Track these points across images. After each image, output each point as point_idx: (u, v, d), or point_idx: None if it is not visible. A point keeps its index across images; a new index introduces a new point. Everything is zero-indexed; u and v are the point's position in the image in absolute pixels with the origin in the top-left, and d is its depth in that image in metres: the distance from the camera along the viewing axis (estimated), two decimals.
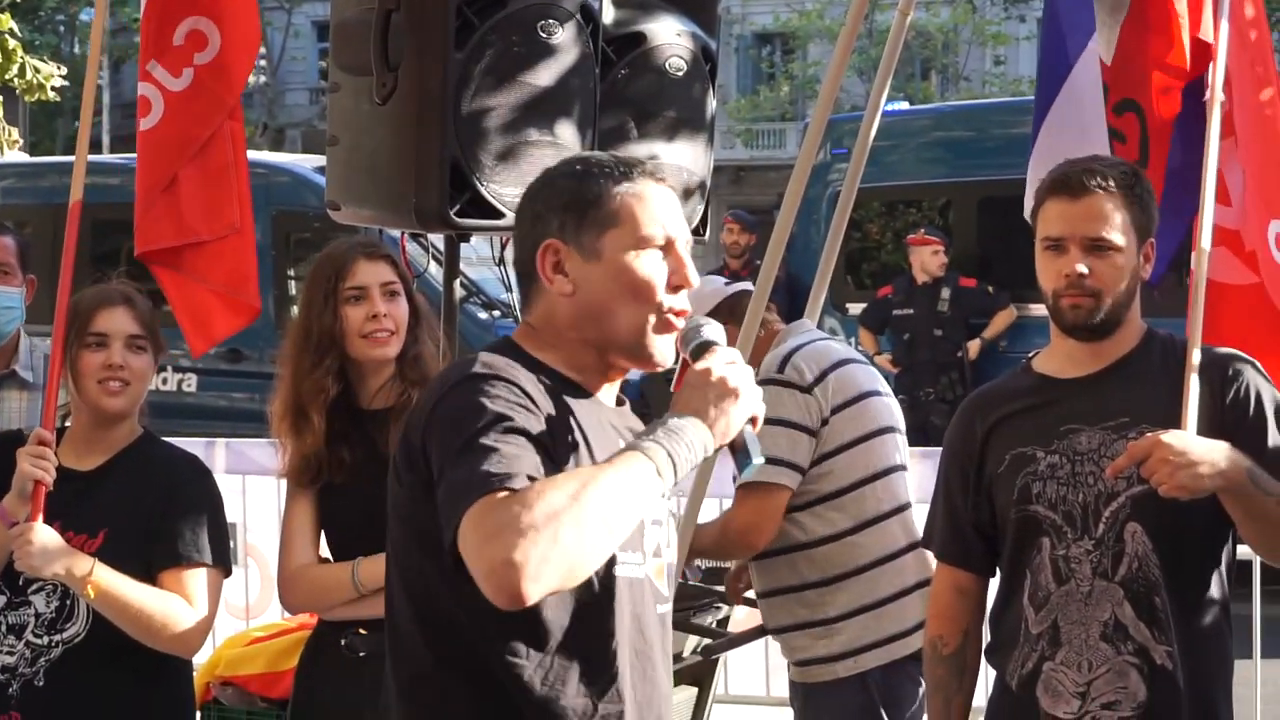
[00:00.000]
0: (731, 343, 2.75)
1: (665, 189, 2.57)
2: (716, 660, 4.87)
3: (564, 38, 3.76)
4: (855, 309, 11.69)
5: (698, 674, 4.78)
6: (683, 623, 4.46)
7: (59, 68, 16.09)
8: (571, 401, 2.50)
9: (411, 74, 3.70)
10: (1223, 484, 3.09)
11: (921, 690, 4.02)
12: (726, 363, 2.47)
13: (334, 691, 3.74)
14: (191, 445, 4.37)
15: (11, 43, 15.25)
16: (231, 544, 3.78)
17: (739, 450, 2.48)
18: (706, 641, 4.71)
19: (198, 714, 4.08)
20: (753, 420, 2.47)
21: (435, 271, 4.30)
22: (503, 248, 4.17)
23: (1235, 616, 3.36)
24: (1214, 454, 3.08)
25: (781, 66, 37.91)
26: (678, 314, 2.54)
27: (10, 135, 16.85)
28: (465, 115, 3.67)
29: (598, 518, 2.27)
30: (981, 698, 3.54)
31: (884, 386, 4.38)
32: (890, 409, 4.34)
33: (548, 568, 2.22)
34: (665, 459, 2.35)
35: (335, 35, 3.96)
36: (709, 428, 2.41)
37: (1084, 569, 3.22)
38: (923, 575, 4.11)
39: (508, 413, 2.37)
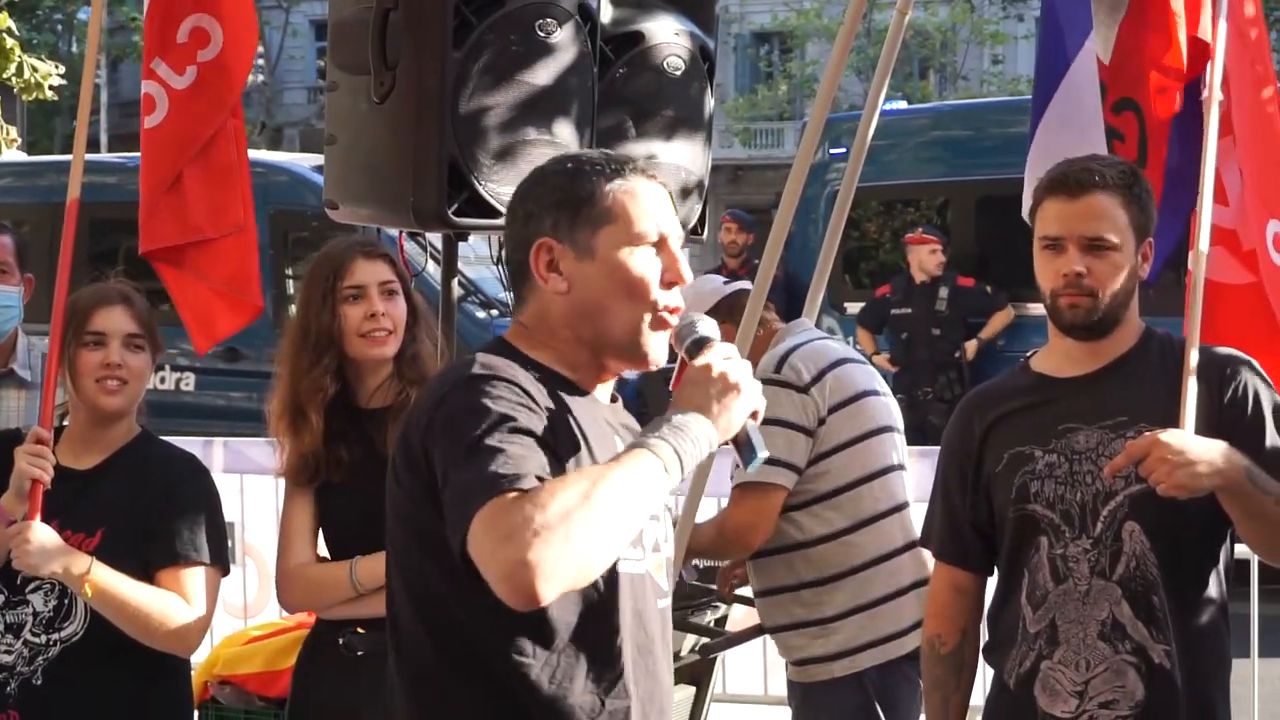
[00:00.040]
0: (729, 341, 2.75)
1: (657, 186, 2.58)
2: (714, 659, 4.88)
3: (562, 37, 3.76)
4: (853, 308, 11.68)
5: (696, 673, 4.78)
6: (681, 622, 4.46)
7: (56, 66, 16.12)
8: (569, 400, 2.50)
9: (409, 73, 3.69)
10: (1221, 483, 3.09)
11: (918, 690, 4.02)
12: (724, 358, 2.47)
13: (332, 690, 3.74)
14: (189, 444, 4.37)
15: (9, 42, 15.27)
16: (229, 543, 3.78)
17: (743, 445, 2.48)
18: (704, 640, 4.72)
19: (195, 713, 4.08)
20: (753, 414, 2.47)
21: (433, 270, 4.31)
22: (500, 247, 4.16)
23: (1233, 615, 3.36)
24: (1212, 453, 3.08)
25: (779, 66, 37.92)
26: (671, 311, 2.54)
27: (8, 134, 16.87)
28: (463, 114, 3.66)
29: (609, 516, 2.28)
30: (979, 697, 3.54)
31: (882, 386, 4.38)
32: (888, 408, 4.34)
33: (562, 567, 2.23)
34: (672, 455, 2.36)
35: (333, 34, 3.96)
36: (712, 423, 2.42)
37: (1082, 568, 3.22)
38: (919, 575, 4.12)
39: (511, 413, 2.37)
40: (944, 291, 10.98)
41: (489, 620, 2.38)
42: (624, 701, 2.50)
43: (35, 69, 15.72)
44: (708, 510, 4.72)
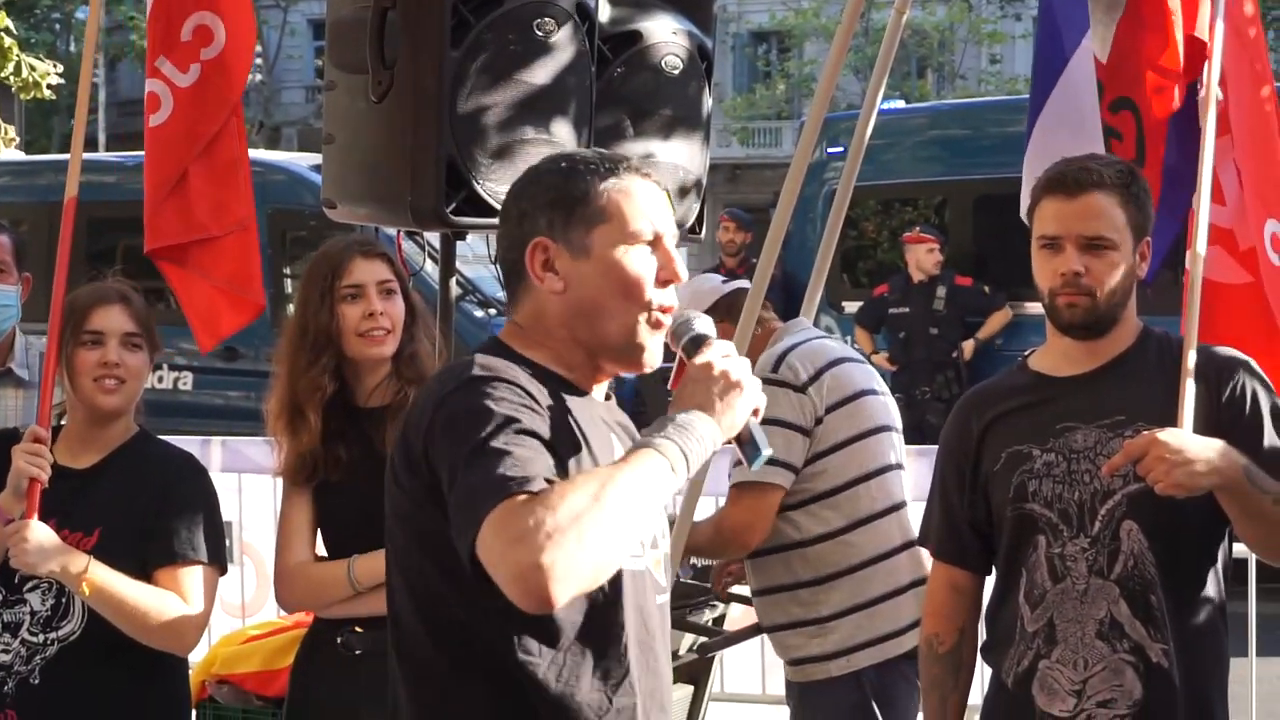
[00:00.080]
0: (727, 340, 2.75)
1: (651, 184, 2.58)
2: (712, 658, 4.88)
3: (560, 36, 3.76)
4: (851, 307, 11.68)
5: (694, 672, 4.78)
6: (679, 621, 4.46)
7: (54, 65, 16.11)
8: (568, 399, 2.50)
9: (407, 72, 3.69)
10: (1219, 482, 3.09)
11: (916, 689, 4.02)
12: (723, 355, 2.47)
13: (330, 690, 3.74)
14: (187, 443, 4.36)
15: (7, 40, 15.26)
16: (227, 542, 3.78)
17: (746, 443, 2.48)
18: (702, 639, 4.72)
19: (193, 712, 4.08)
20: (754, 412, 2.47)
21: (431, 269, 4.31)
22: (498, 244, 4.16)
23: (1231, 614, 3.36)
24: (1210, 452, 3.08)
25: (777, 65, 37.92)
26: (665, 310, 2.54)
27: (6, 133, 16.87)
28: (461, 113, 3.66)
29: (619, 517, 2.27)
30: (977, 696, 3.54)
31: (880, 385, 4.38)
32: (886, 407, 4.34)
33: (575, 570, 2.22)
34: (678, 455, 2.35)
35: (331, 33, 3.96)
36: (716, 422, 2.41)
37: (1080, 567, 3.22)
38: (917, 574, 4.12)
39: (514, 414, 2.36)
40: (942, 291, 10.98)
41: (493, 620, 2.38)
42: (630, 698, 2.50)
43: (33, 68, 15.72)
44: (705, 509, 4.72)
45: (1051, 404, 3.31)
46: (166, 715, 3.73)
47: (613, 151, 2.76)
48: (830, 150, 11.35)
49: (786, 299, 8.87)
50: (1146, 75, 4.13)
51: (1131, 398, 3.25)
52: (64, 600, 3.57)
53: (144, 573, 3.55)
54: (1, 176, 13.98)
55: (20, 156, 16.89)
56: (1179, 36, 4.06)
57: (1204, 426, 3.17)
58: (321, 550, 3.81)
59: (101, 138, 33.82)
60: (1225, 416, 3.24)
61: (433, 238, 4.14)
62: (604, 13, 3.89)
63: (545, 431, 2.38)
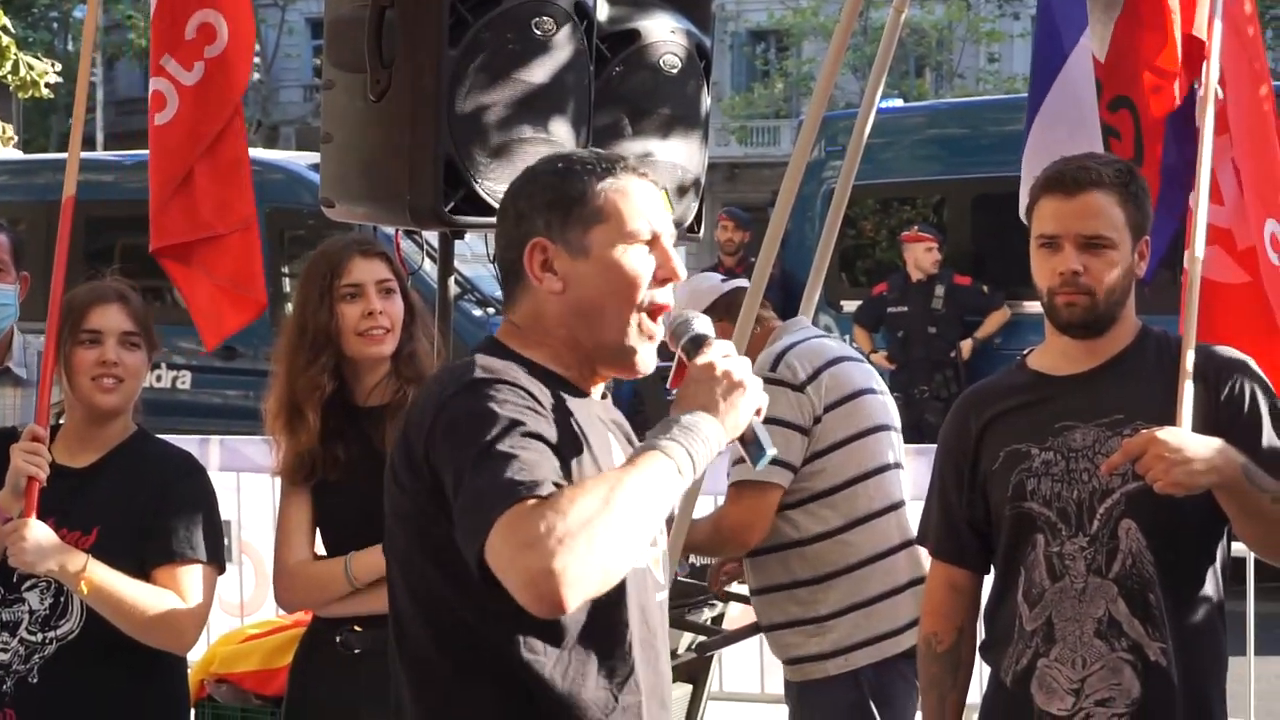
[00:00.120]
0: (726, 339, 2.75)
1: (648, 184, 2.58)
2: (711, 657, 4.88)
3: (558, 35, 3.76)
4: (850, 306, 11.68)
5: (693, 671, 4.78)
6: (678, 620, 4.46)
7: (52, 64, 16.10)
8: (568, 399, 2.50)
9: (405, 71, 3.69)
10: (1218, 480, 3.09)
11: (914, 688, 4.02)
12: (724, 355, 2.47)
13: (329, 689, 3.74)
14: (186, 442, 4.36)
15: (5, 39, 15.25)
16: (226, 541, 3.78)
17: (750, 443, 2.48)
18: (701, 638, 4.72)
19: (192, 711, 4.08)
20: (757, 411, 2.47)
21: (429, 268, 4.31)
22: (495, 244, 4.16)
23: (1230, 613, 3.36)
24: (1209, 451, 3.08)
25: (776, 64, 37.90)
26: (656, 309, 2.54)
27: (4, 132, 16.86)
28: (459, 112, 3.66)
29: (629, 521, 2.27)
30: (976, 695, 3.54)
31: (879, 384, 4.38)
32: (885, 407, 4.33)
33: (586, 575, 2.22)
34: (685, 457, 2.35)
35: (329, 32, 3.95)
36: (720, 422, 2.41)
37: (1078, 566, 3.22)
38: (915, 574, 4.12)
39: (519, 417, 2.35)
40: (940, 290, 10.99)
41: (498, 622, 2.38)
42: (636, 696, 2.50)
43: (31, 67, 15.70)
44: (704, 507, 4.72)
45: (1050, 403, 3.31)
46: (165, 714, 3.73)
47: (610, 151, 2.76)
48: (829, 149, 11.35)
49: (785, 298, 8.87)
50: (1144, 74, 4.13)
51: (1130, 397, 3.26)
52: (62, 599, 3.57)
53: (142, 571, 3.55)
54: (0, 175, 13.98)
55: (18, 155, 16.88)
56: (1178, 35, 4.06)
57: (1202, 425, 3.17)
58: (321, 549, 3.81)
59: (99, 136, 33.82)
60: (1223, 415, 3.24)
61: (431, 237, 4.15)
62: (602, 11, 3.89)
63: (549, 433, 2.37)
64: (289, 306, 4.01)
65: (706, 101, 4.14)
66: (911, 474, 4.42)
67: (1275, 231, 3.98)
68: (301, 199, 11.25)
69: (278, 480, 3.86)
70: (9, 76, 15.60)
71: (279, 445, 3.80)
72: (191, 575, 3.58)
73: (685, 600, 4.57)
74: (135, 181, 12.96)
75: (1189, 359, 3.25)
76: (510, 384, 2.41)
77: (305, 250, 11.03)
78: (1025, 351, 3.47)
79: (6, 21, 15.49)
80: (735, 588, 4.67)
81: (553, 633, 2.42)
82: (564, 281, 2.52)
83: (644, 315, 2.53)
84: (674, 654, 4.46)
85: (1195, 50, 4.04)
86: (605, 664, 2.47)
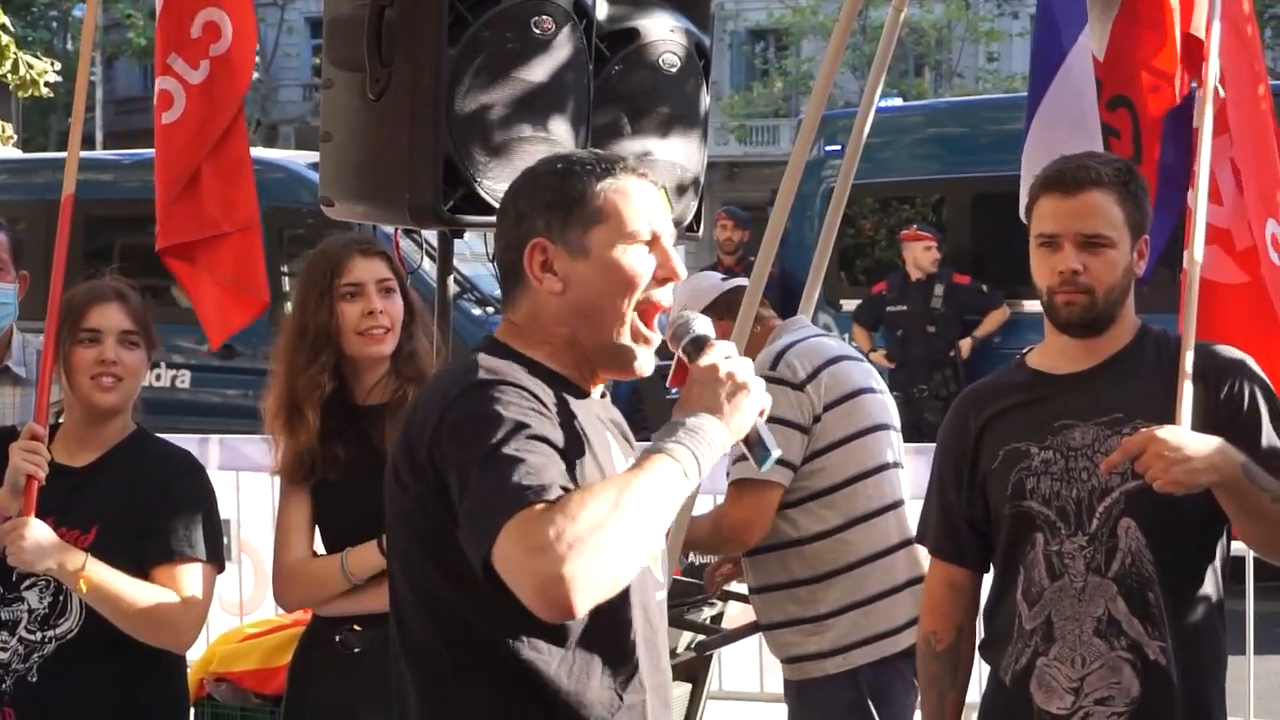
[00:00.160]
0: (726, 338, 2.75)
1: (648, 184, 2.58)
2: (710, 656, 4.87)
3: (557, 34, 3.76)
4: (849, 305, 11.69)
5: (692, 670, 4.78)
6: (677, 619, 4.46)
7: (52, 63, 16.09)
8: (570, 400, 2.50)
9: (405, 70, 3.69)
10: (1217, 479, 3.10)
11: (912, 688, 4.03)
12: (726, 357, 2.47)
13: (328, 688, 3.74)
14: (185, 441, 4.36)
15: (4, 38, 15.25)
16: (225, 540, 3.77)
17: (754, 445, 2.48)
18: (700, 637, 4.72)
19: (191, 710, 4.08)
20: (760, 413, 2.47)
21: (429, 267, 4.31)
22: (495, 244, 4.16)
23: (1229, 612, 3.36)
24: (1208, 449, 3.08)
25: (775, 63, 37.89)
26: (652, 308, 2.53)
27: (3, 131, 16.86)
28: (459, 111, 3.66)
29: (637, 525, 2.27)
30: (975, 693, 3.54)
31: (879, 383, 4.38)
32: (884, 406, 4.34)
33: (597, 580, 2.22)
34: (690, 459, 2.35)
35: (328, 31, 3.95)
36: (725, 424, 2.41)
37: (1077, 564, 3.22)
38: (914, 573, 4.12)
39: (524, 419, 2.35)
40: (939, 289, 10.99)
41: (501, 622, 2.38)
42: (640, 695, 2.50)
43: (30, 66, 15.70)
44: (702, 506, 4.72)
45: (1049, 402, 3.31)
46: (164, 713, 3.72)
47: (609, 152, 2.76)
48: (828, 148, 11.36)
49: (784, 297, 8.87)
50: (1142, 74, 4.13)
51: (1129, 395, 3.26)
52: (62, 598, 3.56)
53: (141, 570, 3.55)
54: None
55: (17, 154, 16.87)
56: (1177, 34, 4.06)
57: (1202, 424, 3.17)
58: (320, 548, 3.81)
59: (98, 136, 33.82)
60: (1223, 414, 3.24)
61: (430, 236, 4.14)
62: (601, 10, 3.89)
63: (554, 435, 2.37)
64: (288, 305, 4.01)
65: (705, 100, 4.14)
66: (911, 473, 4.42)
67: (1276, 232, 3.98)
68: (301, 198, 11.25)
69: (277, 479, 3.86)
70: (8, 75, 15.60)
71: (278, 444, 3.80)
72: (191, 574, 3.58)
73: (684, 599, 4.57)
74: (134, 180, 13.00)
75: (1188, 359, 3.25)
76: (514, 385, 2.40)
77: (304, 249, 11.02)
78: (1024, 350, 3.47)
79: (6, 20, 15.49)
80: (734, 587, 4.67)
81: (556, 632, 2.41)
82: (564, 282, 2.52)
83: (642, 318, 2.53)
84: (673, 653, 4.46)
85: (1194, 49, 4.04)
86: (609, 663, 2.47)
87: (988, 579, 3.46)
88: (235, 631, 4.63)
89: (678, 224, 3.89)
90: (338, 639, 3.71)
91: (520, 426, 2.34)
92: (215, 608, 3.84)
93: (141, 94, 40.20)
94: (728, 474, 4.20)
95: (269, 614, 5.27)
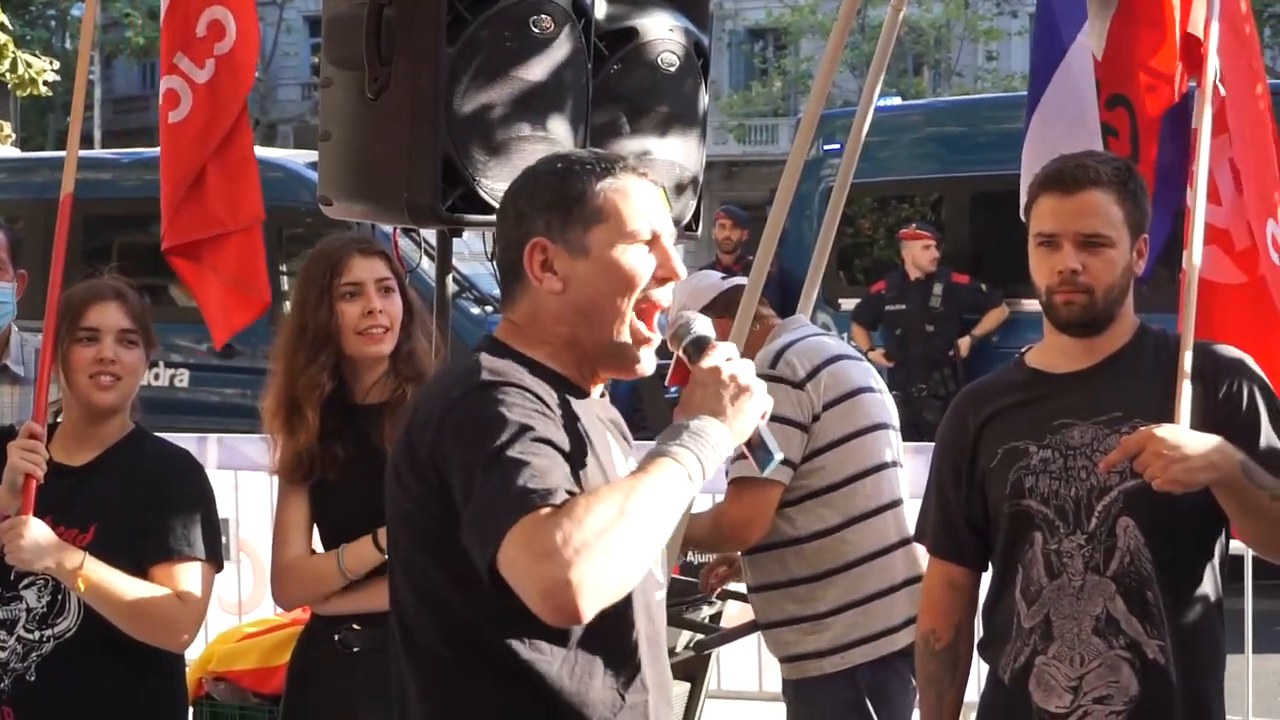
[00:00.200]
0: (725, 337, 2.75)
1: (648, 183, 2.58)
2: (709, 655, 4.87)
3: (556, 33, 3.76)
4: (848, 304, 11.69)
5: (691, 669, 4.78)
6: (675, 618, 4.46)
7: (50, 62, 16.10)
8: (571, 401, 2.50)
9: (403, 69, 3.69)
10: (1216, 477, 3.10)
11: (910, 687, 4.03)
12: (728, 359, 2.47)
13: (327, 687, 3.74)
14: (184, 441, 4.36)
15: (2, 37, 15.25)
16: (223, 539, 3.77)
17: (757, 447, 2.48)
18: (699, 636, 4.72)
19: (190, 709, 4.08)
20: (762, 415, 2.47)
21: (428, 267, 4.30)
22: (494, 243, 4.16)
23: (1227, 611, 3.36)
24: (1207, 448, 3.08)
25: (774, 62, 37.92)
26: (652, 307, 2.53)
27: (2, 130, 16.86)
28: (457, 110, 3.66)
29: (643, 530, 2.27)
30: (974, 692, 3.55)
31: (878, 382, 4.38)
32: (883, 405, 4.34)
33: (603, 585, 2.22)
34: (695, 463, 2.35)
35: (327, 30, 3.95)
36: (728, 427, 2.41)
37: (1076, 563, 3.22)
38: (912, 572, 4.12)
39: (528, 421, 2.35)
40: (938, 288, 10.99)
41: (503, 622, 2.38)
42: (643, 695, 2.50)
43: (29, 65, 15.70)
44: (701, 503, 4.72)
45: (1048, 400, 3.31)
46: (163, 712, 3.72)
47: (609, 151, 2.76)
48: (826, 147, 11.36)
49: (783, 296, 8.87)
50: (1139, 73, 4.13)
51: (1128, 394, 3.26)
52: (60, 597, 3.56)
53: (140, 569, 3.55)
54: None
55: (16, 153, 16.87)
56: (1176, 32, 4.06)
57: (1200, 423, 3.17)
58: (319, 547, 3.81)
59: (97, 134, 33.81)
60: (1222, 413, 3.24)
61: (429, 235, 4.14)
62: (600, 10, 3.89)
63: (558, 437, 2.37)
64: (287, 305, 4.01)
65: (704, 99, 4.14)
66: (910, 472, 4.42)
67: (1276, 233, 3.98)
68: (300, 197, 11.24)
69: (275, 479, 3.86)
70: (7, 74, 15.60)
71: (277, 444, 3.80)
72: (189, 573, 3.58)
73: (683, 598, 4.57)
74: (133, 179, 12.98)
75: (1187, 358, 3.25)
76: (517, 386, 2.40)
77: (303, 248, 11.02)
78: (1023, 349, 3.47)
79: (4, 19, 15.49)
80: (733, 585, 4.66)
81: (558, 633, 2.41)
82: (564, 281, 2.52)
83: (641, 317, 2.52)
84: (672, 652, 4.46)
85: (1193, 48, 4.04)
86: (612, 663, 2.47)
87: (986, 578, 3.47)
88: (234, 630, 4.63)
89: (676, 223, 3.88)
90: (336, 638, 3.71)
91: (524, 429, 2.33)
92: (214, 607, 3.84)
93: (140, 93, 40.18)
94: (726, 473, 4.20)
95: (268, 613, 5.26)
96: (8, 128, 17.35)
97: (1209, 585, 3.28)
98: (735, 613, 4.96)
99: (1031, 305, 3.62)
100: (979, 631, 3.47)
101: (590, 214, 2.52)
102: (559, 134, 3.77)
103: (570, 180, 2.54)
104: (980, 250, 11.30)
